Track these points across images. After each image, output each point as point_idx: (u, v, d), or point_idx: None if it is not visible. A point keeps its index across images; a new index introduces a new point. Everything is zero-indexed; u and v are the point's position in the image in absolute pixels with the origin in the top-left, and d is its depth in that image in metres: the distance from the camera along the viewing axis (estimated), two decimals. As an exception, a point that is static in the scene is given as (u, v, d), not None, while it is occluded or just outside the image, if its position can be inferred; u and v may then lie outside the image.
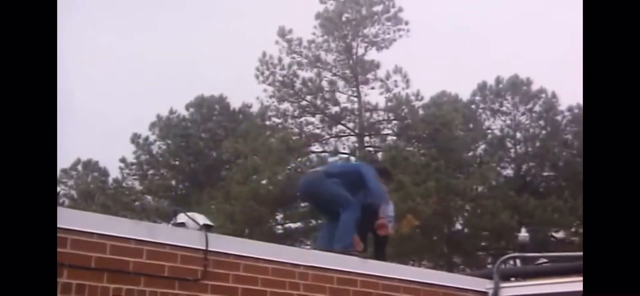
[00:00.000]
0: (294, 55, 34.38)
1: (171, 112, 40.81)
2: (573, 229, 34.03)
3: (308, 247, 25.65)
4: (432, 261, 32.25)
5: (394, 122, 34.46)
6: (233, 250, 6.79)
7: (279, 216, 34.62)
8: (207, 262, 6.51)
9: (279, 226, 34.59)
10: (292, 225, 34.68)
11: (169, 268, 6.27)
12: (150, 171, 40.39)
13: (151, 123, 40.37)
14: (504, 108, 39.25)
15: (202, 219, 6.92)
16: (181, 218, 7.00)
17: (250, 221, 29.19)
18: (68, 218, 5.46)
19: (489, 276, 9.37)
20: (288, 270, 7.16)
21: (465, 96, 38.91)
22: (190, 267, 6.42)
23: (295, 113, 34.59)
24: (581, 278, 8.92)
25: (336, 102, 34.59)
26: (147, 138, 40.37)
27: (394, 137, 33.97)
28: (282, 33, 34.32)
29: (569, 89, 39.04)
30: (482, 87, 39.52)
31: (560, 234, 34.54)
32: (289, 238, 31.88)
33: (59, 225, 4.72)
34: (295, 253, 7.60)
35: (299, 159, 32.23)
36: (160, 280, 6.16)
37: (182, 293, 6.30)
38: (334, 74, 34.60)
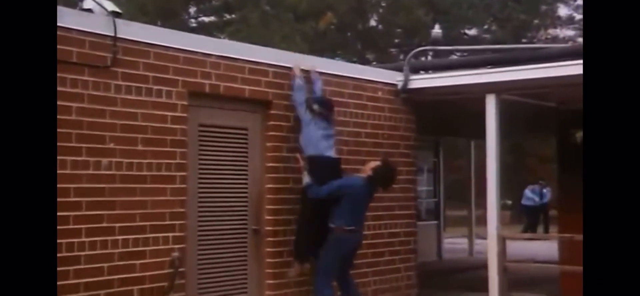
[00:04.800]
0: None
1: None
2: (485, 27, 34.58)
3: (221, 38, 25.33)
4: (345, 57, 32.41)
5: None
6: (143, 37, 6.69)
7: (192, 10, 33.92)
8: (116, 49, 6.41)
9: (193, 20, 33.92)
10: (206, 19, 34.06)
11: (77, 54, 6.15)
12: (56, -42, 38.68)
13: None
14: None
15: (110, 5, 6.74)
16: (88, 3, 6.81)
17: (162, 13, 28.55)
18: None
19: (400, 70, 9.56)
20: (199, 59, 7.12)
21: None
22: (99, 54, 6.32)
23: None
24: (488, 71, 9.24)
25: None
26: None
27: None
28: None
29: None
30: None
31: (472, 31, 35.00)
32: (203, 32, 31.39)
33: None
34: (207, 42, 7.52)
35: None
36: (68, 66, 6.06)
37: (92, 80, 6.24)
38: None
